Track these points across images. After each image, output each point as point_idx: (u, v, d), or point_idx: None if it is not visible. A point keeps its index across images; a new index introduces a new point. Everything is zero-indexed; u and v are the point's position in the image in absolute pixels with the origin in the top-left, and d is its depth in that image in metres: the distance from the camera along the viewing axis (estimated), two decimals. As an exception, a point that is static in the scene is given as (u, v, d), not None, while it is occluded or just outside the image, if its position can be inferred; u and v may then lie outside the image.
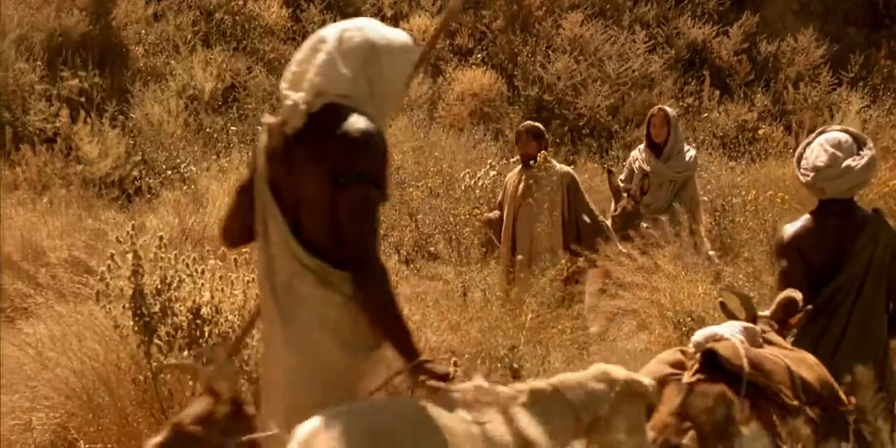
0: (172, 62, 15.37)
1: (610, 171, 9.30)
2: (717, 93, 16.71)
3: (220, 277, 4.77)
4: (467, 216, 9.93)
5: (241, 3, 16.87)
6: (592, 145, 15.20)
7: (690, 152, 9.27)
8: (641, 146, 9.29)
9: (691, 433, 3.79)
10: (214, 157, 12.68)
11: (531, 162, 8.78)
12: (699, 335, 4.12)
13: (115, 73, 15.14)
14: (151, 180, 12.59)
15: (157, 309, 4.68)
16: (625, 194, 8.94)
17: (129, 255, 4.69)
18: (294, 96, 3.48)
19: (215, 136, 13.81)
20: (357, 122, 3.37)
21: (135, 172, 12.90)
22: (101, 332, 4.91)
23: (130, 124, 13.92)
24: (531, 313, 6.55)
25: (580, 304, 7.95)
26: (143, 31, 15.93)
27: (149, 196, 12.15)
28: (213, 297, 4.73)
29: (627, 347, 6.60)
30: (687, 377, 3.94)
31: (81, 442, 4.75)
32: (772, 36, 17.95)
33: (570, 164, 13.10)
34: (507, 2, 17.73)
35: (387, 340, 3.37)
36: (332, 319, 3.35)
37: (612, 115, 16.01)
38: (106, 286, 4.67)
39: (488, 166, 11.44)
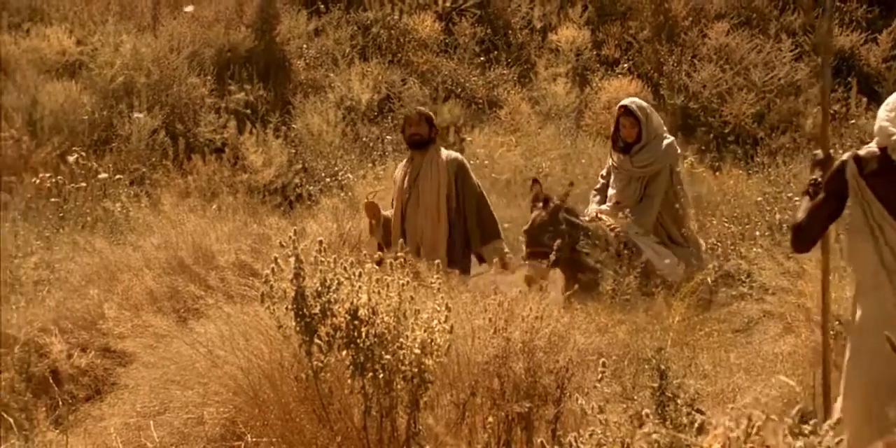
0: (331, 75, 15.60)
1: (535, 181, 8.21)
2: (865, 100, 16.23)
3: (377, 280, 4.81)
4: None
5: (396, 17, 17.03)
6: (737, 152, 14.91)
7: (664, 142, 8.15)
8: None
9: None
10: (370, 165, 12.82)
11: (419, 144, 8.03)
12: None
13: (278, 86, 15.44)
14: (311, 187, 12.80)
15: (317, 310, 4.73)
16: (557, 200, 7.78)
17: (292, 259, 4.76)
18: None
19: (371, 145, 13.96)
20: None
21: (296, 180, 13.13)
22: (266, 331, 4.98)
23: (292, 135, 14.18)
24: (678, 316, 6.46)
25: (726, 306, 7.79)
26: (305, 46, 16.21)
27: (309, 203, 12.34)
28: (369, 299, 4.76)
29: (774, 350, 6.44)
30: None
31: (249, 435, 4.82)
32: (921, 43, 17.39)
33: (714, 171, 12.91)
34: (653, 13, 17.53)
35: None
36: None
37: (758, 123, 15.68)
38: (270, 288, 4.73)
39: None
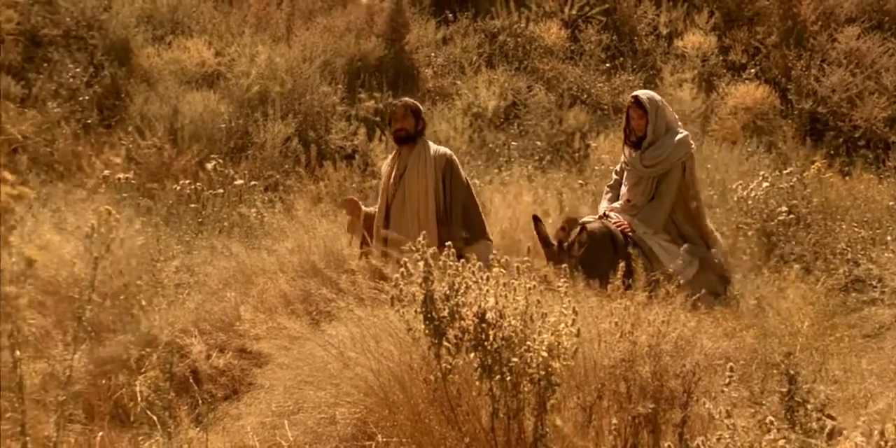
0: (459, 82, 15.67)
1: (536, 219, 7.38)
2: None
3: (504, 284, 4.81)
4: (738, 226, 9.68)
5: (522, 25, 17.05)
6: (868, 156, 14.54)
7: (677, 137, 7.60)
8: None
9: None
10: (496, 170, 12.82)
11: (405, 139, 7.58)
12: None
13: (407, 94, 15.53)
14: (439, 193, 12.85)
15: (445, 313, 4.74)
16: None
17: (420, 263, 4.78)
18: None
19: (497, 150, 13.96)
20: None
21: (425, 186, 13.22)
22: (396, 334, 5.01)
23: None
24: (808, 320, 6.33)
25: (857, 312, 7.60)
26: (433, 55, 16.32)
27: (438, 208, 12.40)
28: (496, 303, 4.76)
29: (908, 356, 6.27)
30: None
31: (379, 435, 4.86)
32: None
33: (844, 176, 12.61)
34: (781, 18, 17.21)
35: None
36: None
37: (889, 127, 15.27)
38: (399, 292, 4.77)
39: (761, 177, 11.12)
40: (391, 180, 7.59)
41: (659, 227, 7.55)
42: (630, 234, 7.45)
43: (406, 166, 7.56)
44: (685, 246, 7.51)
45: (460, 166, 7.72)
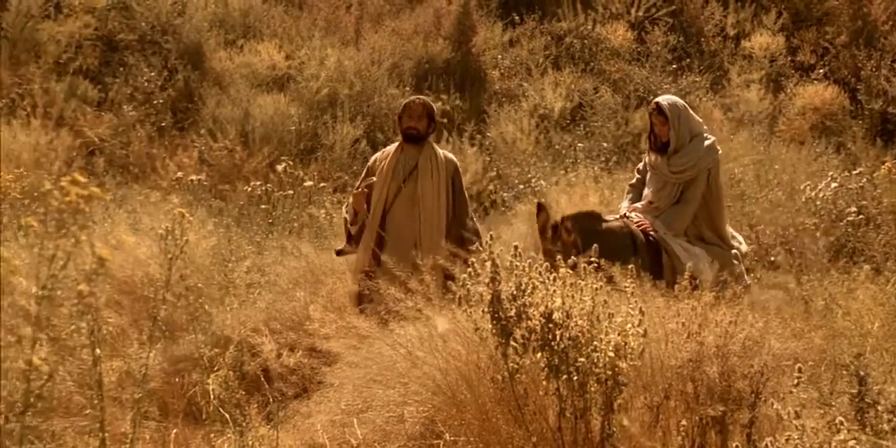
0: (525, 84, 15.66)
1: (540, 207, 7.12)
2: None
3: (571, 285, 4.79)
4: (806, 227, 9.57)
5: (589, 27, 16.99)
6: (939, 156, 14.32)
7: (705, 144, 7.41)
8: None
9: None
10: (562, 172, 12.79)
11: (415, 139, 7.20)
12: None
13: (474, 96, 15.59)
14: (505, 194, 12.85)
15: (512, 313, 4.74)
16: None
17: (488, 264, 4.78)
18: None
19: (563, 152, 13.93)
20: None
21: (490, 187, 13.21)
22: (463, 334, 5.01)
23: (487, 142, 14.28)
24: (878, 321, 6.23)
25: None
26: (500, 57, 16.32)
27: (503, 209, 12.39)
28: (563, 303, 4.75)
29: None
30: None
31: (447, 434, 4.87)
32: None
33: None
34: (851, 18, 16.99)
35: None
36: None
37: (961, 126, 15.04)
38: (467, 292, 4.77)
39: (829, 178, 10.98)
40: (392, 178, 7.17)
41: (681, 231, 7.43)
42: (652, 234, 7.32)
43: (417, 166, 7.19)
44: (704, 247, 7.41)
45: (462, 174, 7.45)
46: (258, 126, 13.67)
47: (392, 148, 7.43)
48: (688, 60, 16.71)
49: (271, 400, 6.04)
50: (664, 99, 7.64)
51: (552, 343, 4.66)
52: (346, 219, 7.38)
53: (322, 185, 11.89)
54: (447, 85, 15.36)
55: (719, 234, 7.56)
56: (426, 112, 7.32)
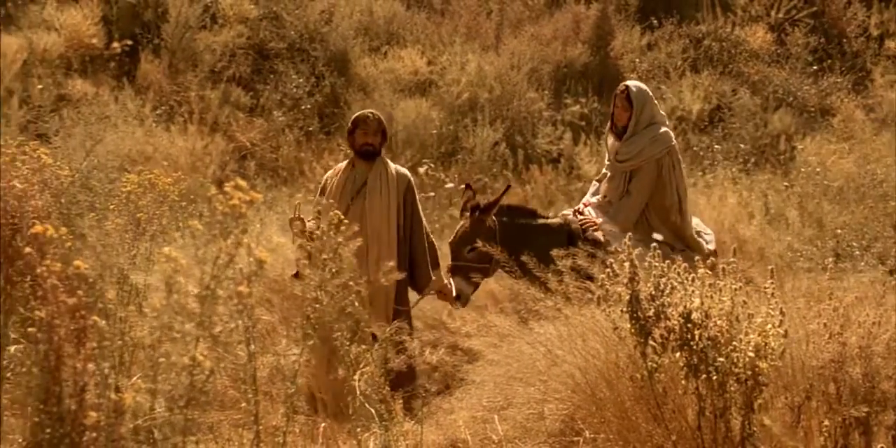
0: (663, 87, 15.49)
1: (467, 186, 7.18)
2: None
3: (709, 285, 4.74)
4: None
5: (728, 30, 16.73)
6: None
7: (657, 132, 7.09)
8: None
9: None
10: (700, 173, 12.63)
11: (370, 155, 6.89)
12: None
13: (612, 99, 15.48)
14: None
15: (651, 313, 4.71)
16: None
17: (626, 264, 4.76)
18: None
19: (701, 153, 13.77)
20: None
21: (628, 188, 13.13)
22: (602, 333, 5.00)
23: (626, 145, 14.18)
24: None
25: None
26: (638, 60, 16.17)
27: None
28: (702, 303, 4.70)
29: None
30: None
31: (586, 431, 4.86)
32: None
33: None
34: None
35: None
36: None
37: None
38: (606, 292, 4.76)
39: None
40: (341, 196, 6.90)
41: (627, 225, 6.94)
42: (590, 234, 6.94)
43: (365, 183, 6.93)
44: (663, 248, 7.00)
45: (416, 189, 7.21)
46: (401, 130, 13.83)
47: (342, 165, 7.19)
48: (829, 61, 16.31)
49: (416, 396, 6.11)
50: (633, 83, 7.36)
51: (691, 343, 4.62)
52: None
53: (462, 186, 11.95)
54: (585, 89, 15.29)
55: (677, 232, 7.15)
56: (380, 128, 7.09)
